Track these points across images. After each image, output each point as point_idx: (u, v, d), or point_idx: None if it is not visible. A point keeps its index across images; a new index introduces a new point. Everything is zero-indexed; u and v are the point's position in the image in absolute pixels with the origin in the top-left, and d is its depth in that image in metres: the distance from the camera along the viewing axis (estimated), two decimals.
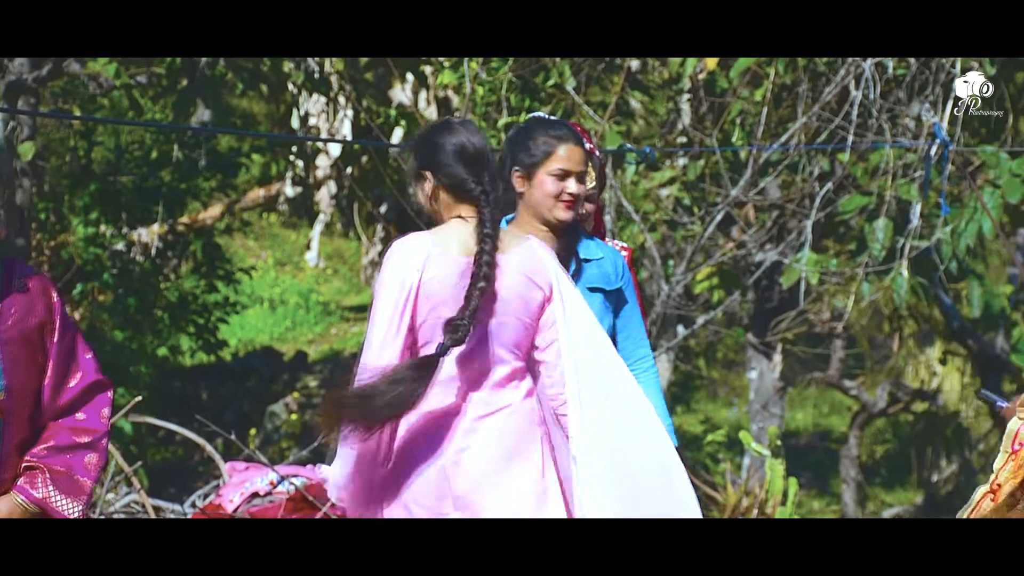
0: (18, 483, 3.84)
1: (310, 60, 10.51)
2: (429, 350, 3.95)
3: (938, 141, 8.13)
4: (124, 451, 9.16)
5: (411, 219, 11.43)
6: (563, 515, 3.98)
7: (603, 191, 5.01)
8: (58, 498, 3.83)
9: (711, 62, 8.99)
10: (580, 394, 4.02)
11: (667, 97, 10.10)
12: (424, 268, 3.97)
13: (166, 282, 12.82)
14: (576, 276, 4.55)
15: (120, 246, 12.21)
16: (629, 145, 8.91)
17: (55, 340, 3.85)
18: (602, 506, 3.98)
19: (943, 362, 14.08)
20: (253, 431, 12.94)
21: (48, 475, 3.83)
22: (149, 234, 12.72)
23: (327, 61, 10.65)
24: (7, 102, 8.14)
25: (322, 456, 11.42)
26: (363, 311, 18.91)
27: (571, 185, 4.44)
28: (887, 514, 14.13)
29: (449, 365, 3.96)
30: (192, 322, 13.01)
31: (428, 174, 4.08)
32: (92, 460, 3.88)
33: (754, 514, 8.06)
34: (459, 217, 4.05)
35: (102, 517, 6.84)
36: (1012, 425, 4.35)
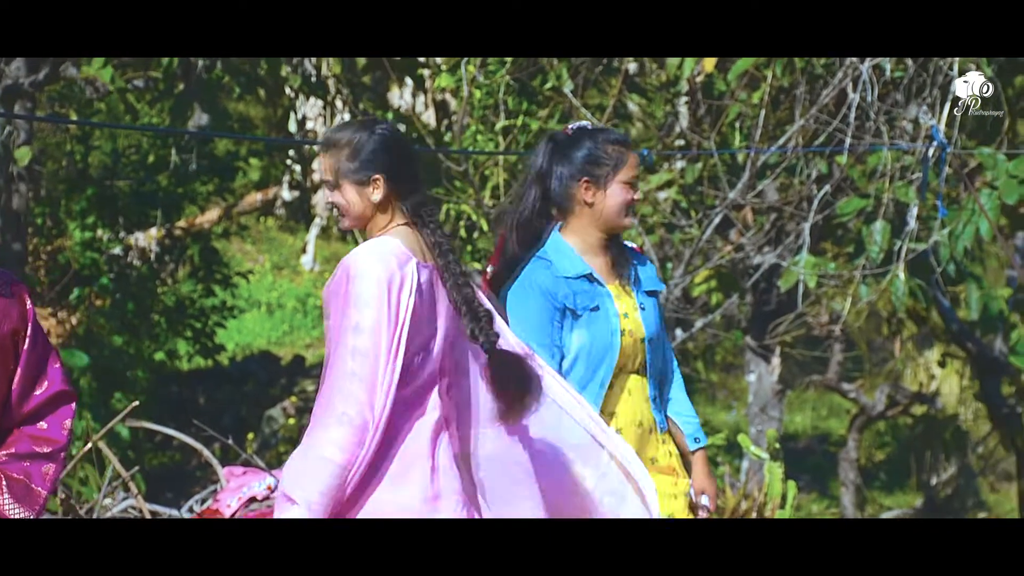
0: None
1: (307, 64, 10.50)
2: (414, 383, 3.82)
3: (935, 143, 8.12)
4: (121, 456, 9.14)
5: None
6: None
7: None
8: (12, 506, 3.80)
9: (709, 65, 8.98)
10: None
11: (665, 100, 10.09)
12: (415, 278, 3.82)
13: (163, 286, 12.81)
14: (636, 282, 4.54)
15: (117, 250, 12.20)
16: None
17: (26, 348, 3.81)
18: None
19: (942, 365, 14.07)
20: (251, 435, 12.92)
21: (4, 482, 3.81)
22: (146, 238, 12.71)
23: (324, 64, 10.64)
24: (3, 106, 8.13)
25: None
26: None
27: (638, 193, 4.52)
28: (886, 517, 14.13)
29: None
30: (189, 326, 13.00)
31: (381, 178, 3.95)
32: (49, 471, 3.85)
33: (753, 517, 8.05)
34: (405, 224, 3.94)
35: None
36: None
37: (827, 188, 8.93)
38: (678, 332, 11.85)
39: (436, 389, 3.92)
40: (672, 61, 9.01)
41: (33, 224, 11.36)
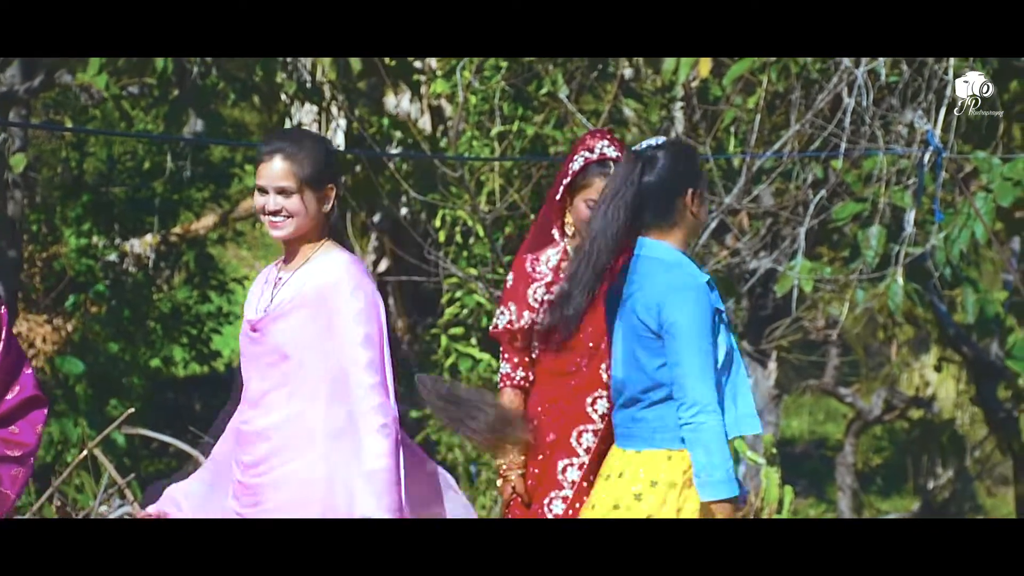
0: None
1: (302, 70, 10.49)
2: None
3: (931, 148, 8.12)
4: (117, 463, 9.12)
5: (405, 229, 11.42)
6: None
7: None
8: None
9: (704, 70, 8.99)
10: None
11: (660, 105, 10.09)
12: None
13: (159, 293, 12.79)
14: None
15: (113, 257, 12.19)
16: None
17: None
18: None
19: (938, 369, 14.06)
20: None
21: None
22: (142, 245, 12.70)
23: (319, 70, 10.63)
24: None
25: None
26: None
27: None
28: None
29: None
30: (185, 333, 12.98)
31: (334, 189, 4.10)
32: (19, 474, 3.86)
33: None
34: (330, 239, 4.10)
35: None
36: None
37: (823, 193, 8.93)
38: None
39: None
40: (667, 66, 9.01)
41: (28, 231, 11.35)
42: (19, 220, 8.71)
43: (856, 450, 13.67)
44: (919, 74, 8.67)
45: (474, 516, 4.22)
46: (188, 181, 12.26)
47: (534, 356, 4.78)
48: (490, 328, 4.90)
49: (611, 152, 4.73)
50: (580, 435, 4.67)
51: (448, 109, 12.53)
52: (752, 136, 8.90)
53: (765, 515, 7.78)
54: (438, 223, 10.66)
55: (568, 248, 4.81)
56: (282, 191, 4.04)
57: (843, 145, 8.60)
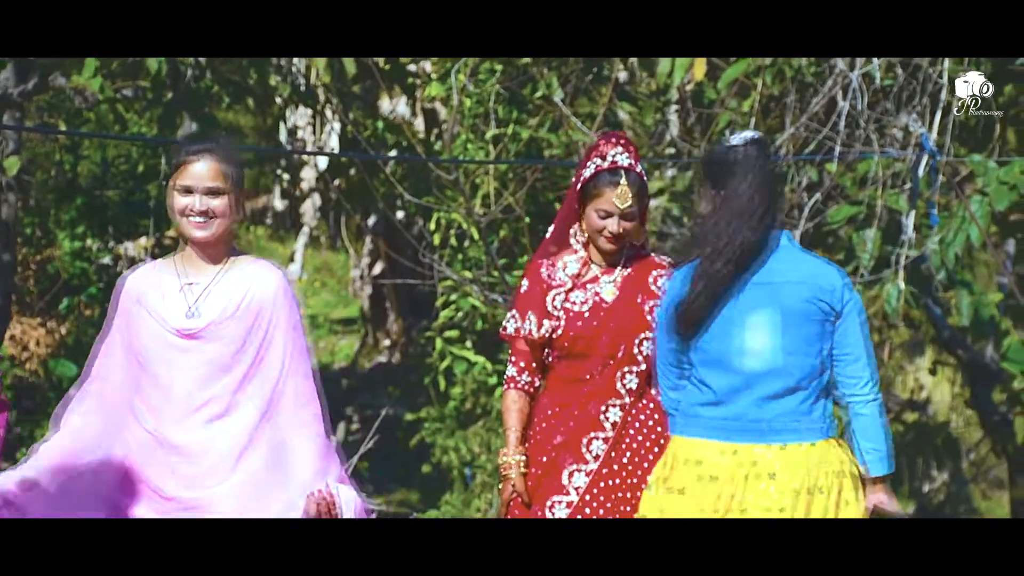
0: None
1: (296, 73, 10.48)
2: None
3: (926, 152, 8.12)
4: None
5: (399, 232, 11.41)
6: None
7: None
8: None
9: (699, 73, 8.98)
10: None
11: (655, 108, 10.08)
12: None
13: None
14: None
15: (107, 260, 12.16)
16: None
17: None
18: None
19: (933, 372, 14.05)
20: None
21: None
22: (136, 248, 12.68)
23: (313, 73, 10.63)
24: None
25: None
26: (351, 324, 18.86)
27: None
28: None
29: None
30: None
31: (243, 193, 4.19)
32: None
33: None
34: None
35: None
36: None
37: (817, 196, 8.92)
38: None
39: None
40: (662, 69, 9.01)
41: (22, 234, 11.33)
42: (13, 223, 8.68)
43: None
44: (914, 77, 8.67)
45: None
46: None
47: (547, 362, 4.74)
48: (500, 330, 4.85)
49: (623, 160, 4.62)
50: (590, 442, 4.63)
51: (443, 112, 12.52)
52: None
53: None
54: (433, 226, 10.65)
55: (587, 255, 4.74)
56: (211, 192, 4.08)
57: (838, 148, 8.60)
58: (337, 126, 12.33)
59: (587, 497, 4.59)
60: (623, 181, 4.58)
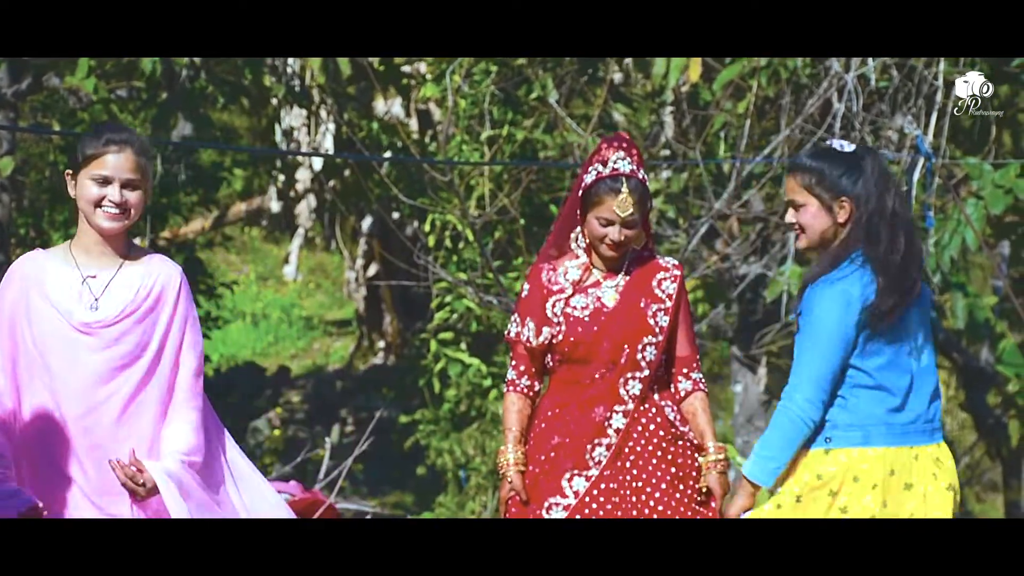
0: None
1: (291, 73, 10.47)
2: None
3: (921, 154, 8.11)
4: None
5: (394, 233, 11.40)
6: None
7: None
8: None
9: (694, 75, 8.98)
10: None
11: (650, 110, 10.08)
12: None
13: None
14: None
15: None
16: None
17: None
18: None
19: None
20: None
21: None
22: None
23: (308, 74, 10.62)
24: None
25: (305, 471, 11.35)
26: (346, 325, 18.85)
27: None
28: None
29: None
30: None
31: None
32: None
33: None
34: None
35: None
36: None
37: None
38: None
39: None
40: (657, 71, 9.00)
41: (16, 234, 11.31)
42: (6, 223, 8.67)
43: None
44: (909, 79, 8.67)
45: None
46: (177, 185, 12.24)
47: (548, 366, 4.72)
48: (504, 333, 4.82)
49: (625, 166, 4.54)
50: (594, 448, 4.60)
51: (437, 113, 12.52)
52: (742, 141, 8.89)
53: None
54: (427, 228, 10.64)
55: (589, 260, 4.71)
56: (128, 184, 4.04)
57: None
58: (332, 127, 12.32)
59: (586, 499, 4.57)
60: (624, 189, 4.53)
